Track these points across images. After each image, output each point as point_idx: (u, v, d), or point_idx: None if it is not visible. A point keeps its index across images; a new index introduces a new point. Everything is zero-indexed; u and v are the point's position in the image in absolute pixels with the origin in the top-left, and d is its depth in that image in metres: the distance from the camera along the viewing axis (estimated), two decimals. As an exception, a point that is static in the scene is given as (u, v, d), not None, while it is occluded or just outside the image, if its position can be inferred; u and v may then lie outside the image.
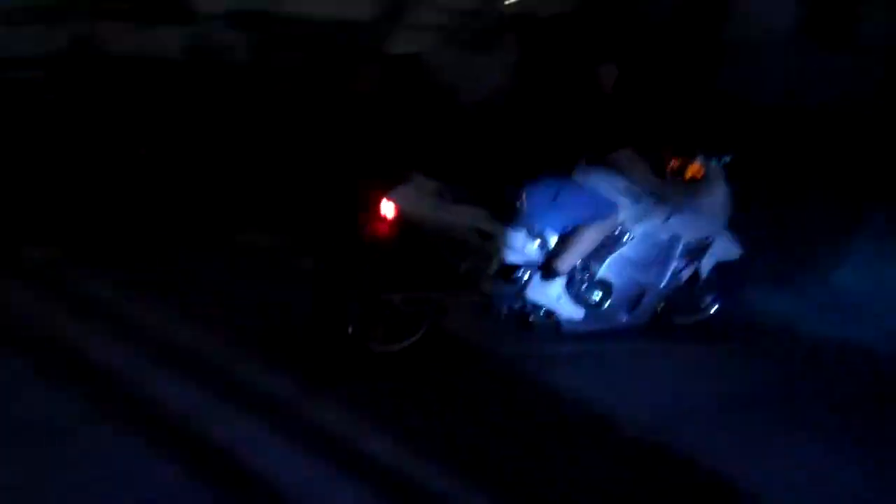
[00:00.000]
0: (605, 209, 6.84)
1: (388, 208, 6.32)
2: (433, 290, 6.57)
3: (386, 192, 6.37)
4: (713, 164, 7.28)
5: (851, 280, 8.63)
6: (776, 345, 7.53)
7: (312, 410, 5.73)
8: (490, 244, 6.68)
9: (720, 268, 7.55)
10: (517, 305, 6.90)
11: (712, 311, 7.73)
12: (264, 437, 5.40)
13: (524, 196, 6.70)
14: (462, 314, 6.89)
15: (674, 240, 7.13)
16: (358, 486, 4.94)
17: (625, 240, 6.98)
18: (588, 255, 6.93)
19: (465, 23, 15.12)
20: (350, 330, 6.36)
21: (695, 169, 7.17)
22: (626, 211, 6.91)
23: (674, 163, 7.21)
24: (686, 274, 7.35)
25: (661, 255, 7.13)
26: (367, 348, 6.44)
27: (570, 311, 6.93)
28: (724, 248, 7.47)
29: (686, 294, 7.48)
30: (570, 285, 6.94)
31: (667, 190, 7.11)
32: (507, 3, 14.76)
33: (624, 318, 7.21)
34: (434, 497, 4.94)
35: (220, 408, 5.76)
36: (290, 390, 5.97)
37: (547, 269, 6.83)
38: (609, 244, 6.98)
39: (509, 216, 6.68)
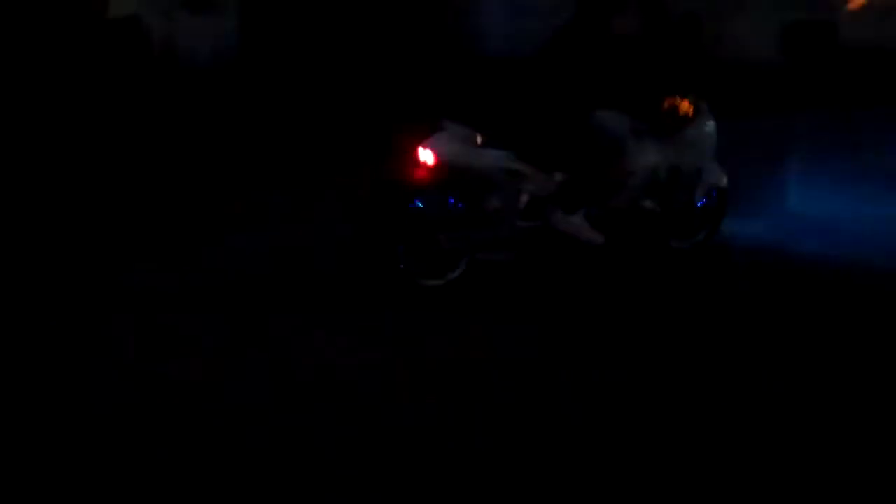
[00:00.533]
0: (614, 146, 7.87)
1: (426, 155, 7.27)
2: (471, 228, 7.46)
3: (422, 139, 7.32)
4: (700, 102, 8.33)
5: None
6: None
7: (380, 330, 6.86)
8: (517, 182, 7.62)
9: (709, 195, 8.55)
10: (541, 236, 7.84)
11: (704, 236, 8.70)
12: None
13: (546, 137, 7.70)
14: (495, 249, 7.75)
15: (672, 167, 8.12)
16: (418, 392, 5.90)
17: (632, 170, 7.96)
18: (603, 185, 7.92)
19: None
20: (402, 267, 7.24)
21: (685, 106, 8.23)
22: (632, 145, 7.92)
23: (668, 102, 8.24)
24: (683, 200, 8.35)
25: (663, 181, 8.12)
26: (416, 283, 7.31)
27: (591, 236, 7.87)
28: (714, 176, 8.51)
29: (683, 220, 8.45)
30: (589, 212, 7.91)
31: (664, 125, 8.12)
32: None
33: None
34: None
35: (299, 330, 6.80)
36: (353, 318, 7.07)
37: (569, 201, 7.79)
38: (619, 176, 7.96)
39: (533, 156, 7.64)
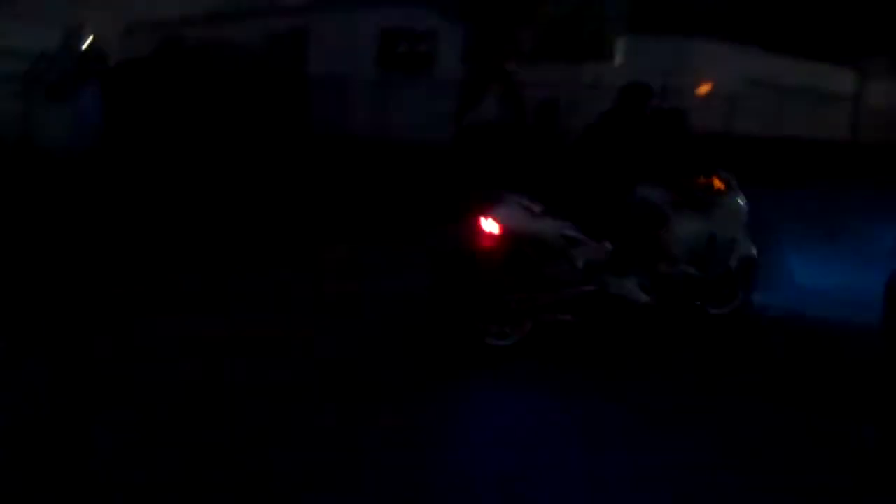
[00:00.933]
0: (656, 216, 8.52)
1: (491, 225, 7.78)
2: (535, 291, 7.82)
3: (486, 210, 7.85)
4: (730, 178, 9.13)
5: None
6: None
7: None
8: (574, 249, 8.06)
9: (742, 264, 9.28)
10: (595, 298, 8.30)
11: (740, 303, 9.39)
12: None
13: (596, 208, 8.23)
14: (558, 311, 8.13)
15: (710, 237, 8.81)
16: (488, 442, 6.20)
17: (673, 239, 8.60)
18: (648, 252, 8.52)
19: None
20: (473, 328, 7.50)
21: (717, 182, 8.99)
22: (672, 216, 8.58)
23: (701, 180, 8.97)
24: (720, 267, 9.03)
25: (702, 250, 8.79)
26: (484, 343, 7.75)
27: (641, 299, 8.39)
28: (746, 247, 9.26)
29: (720, 286, 9.12)
30: (638, 278, 8.45)
31: (699, 198, 8.84)
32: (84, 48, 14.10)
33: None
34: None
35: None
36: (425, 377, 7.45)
37: (619, 267, 8.30)
38: (662, 244, 8.57)
39: (586, 225, 8.12)
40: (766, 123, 27.09)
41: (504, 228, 7.79)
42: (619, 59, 28.69)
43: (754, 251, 9.51)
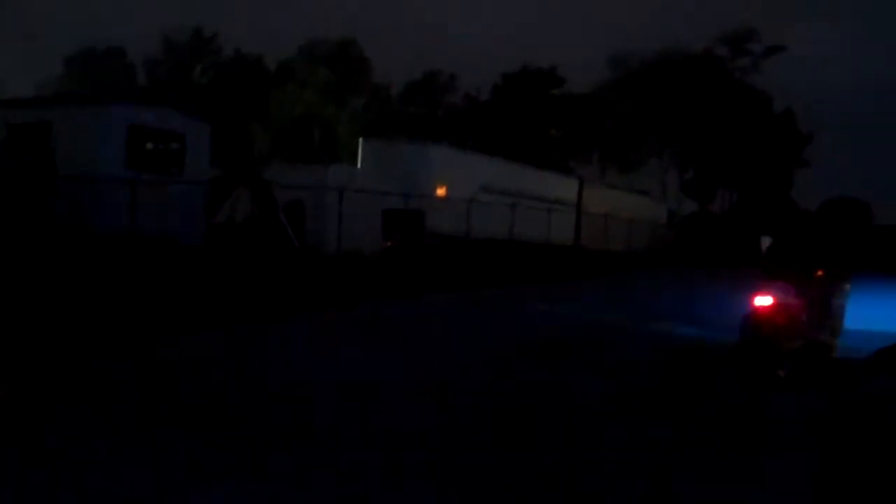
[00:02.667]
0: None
1: (766, 300, 11.32)
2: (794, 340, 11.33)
3: (764, 289, 11.38)
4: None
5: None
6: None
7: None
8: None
9: None
10: None
11: None
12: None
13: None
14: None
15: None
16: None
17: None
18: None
19: None
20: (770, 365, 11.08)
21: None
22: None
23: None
24: None
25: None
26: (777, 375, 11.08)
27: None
28: None
29: None
30: None
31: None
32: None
33: None
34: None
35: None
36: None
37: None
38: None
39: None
40: (499, 226, 29.00)
41: (775, 301, 11.28)
42: (360, 163, 29.70)
43: None
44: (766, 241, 13.83)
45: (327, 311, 15.85)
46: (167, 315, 13.48)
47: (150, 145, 21.83)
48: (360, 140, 32.05)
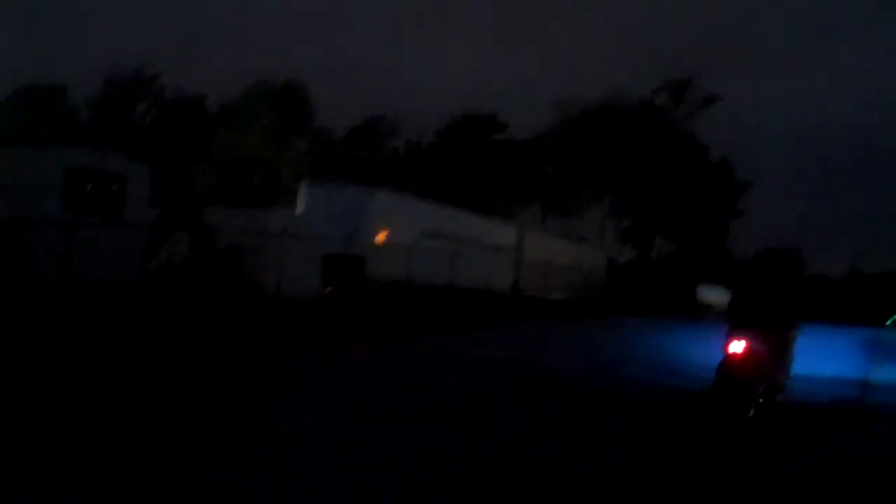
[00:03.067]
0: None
1: (740, 346, 12.63)
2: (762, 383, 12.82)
3: (737, 336, 12.74)
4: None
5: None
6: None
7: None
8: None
9: None
10: None
11: None
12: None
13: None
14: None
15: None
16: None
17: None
18: None
19: None
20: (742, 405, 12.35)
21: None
22: None
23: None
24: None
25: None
26: (745, 416, 12.34)
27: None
28: None
29: None
30: None
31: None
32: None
33: None
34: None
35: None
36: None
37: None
38: None
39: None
40: (440, 272, 29.11)
41: (747, 346, 12.60)
42: (301, 207, 29.67)
43: None
44: (703, 290, 14.80)
45: (242, 364, 15.19)
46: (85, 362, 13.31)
47: (89, 187, 21.68)
48: (303, 183, 32.00)
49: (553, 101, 71.89)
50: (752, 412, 12.36)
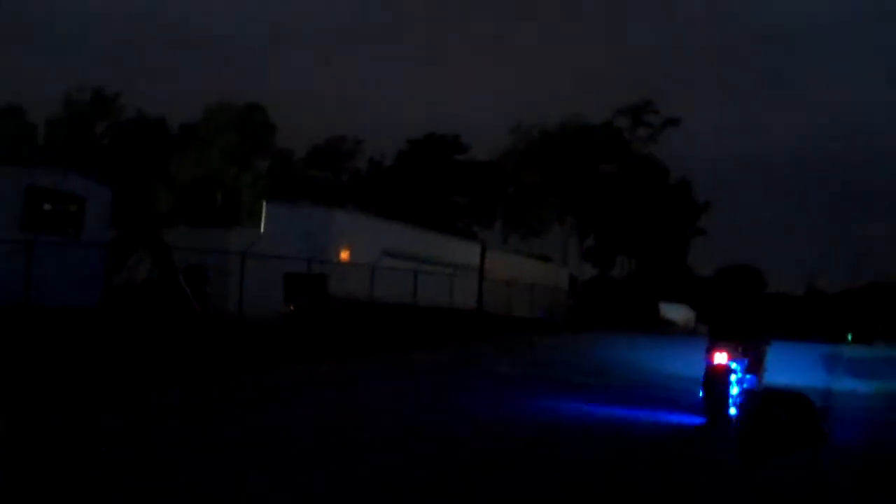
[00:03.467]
0: None
1: (722, 357, 13.66)
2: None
3: (719, 349, 13.70)
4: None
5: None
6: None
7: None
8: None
9: None
10: None
11: None
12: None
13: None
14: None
15: None
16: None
17: None
18: None
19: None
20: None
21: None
22: None
23: None
24: None
25: None
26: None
27: None
28: None
29: None
30: None
31: None
32: None
33: None
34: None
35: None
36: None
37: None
38: None
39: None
40: (402, 291, 29.13)
41: (727, 358, 13.66)
42: (264, 226, 29.58)
43: None
44: (664, 307, 15.27)
45: (197, 385, 14.90)
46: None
47: (47, 206, 21.51)
48: (264, 203, 31.95)
49: (513, 125, 72.33)
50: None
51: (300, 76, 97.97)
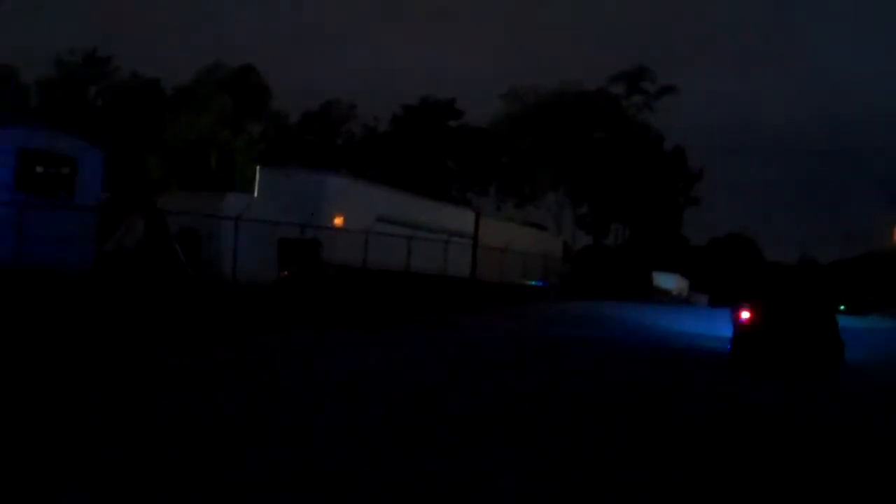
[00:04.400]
0: None
1: (747, 314, 18.15)
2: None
3: (744, 307, 18.27)
4: None
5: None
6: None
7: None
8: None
9: None
10: None
11: None
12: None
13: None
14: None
15: None
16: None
17: None
18: None
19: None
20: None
21: None
22: None
23: None
24: None
25: None
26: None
27: None
28: None
29: None
30: None
31: None
32: None
33: None
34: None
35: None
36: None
37: None
38: None
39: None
40: (396, 257, 29.06)
41: (752, 314, 17.98)
42: (258, 191, 29.43)
43: None
44: (657, 276, 15.92)
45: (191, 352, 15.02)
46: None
47: (40, 169, 21.31)
48: (258, 167, 31.82)
49: (507, 90, 71.96)
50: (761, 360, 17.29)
51: (295, 39, 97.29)
